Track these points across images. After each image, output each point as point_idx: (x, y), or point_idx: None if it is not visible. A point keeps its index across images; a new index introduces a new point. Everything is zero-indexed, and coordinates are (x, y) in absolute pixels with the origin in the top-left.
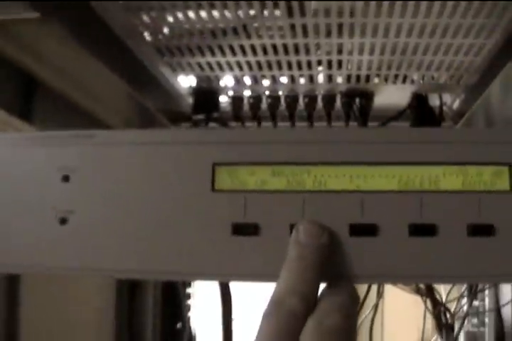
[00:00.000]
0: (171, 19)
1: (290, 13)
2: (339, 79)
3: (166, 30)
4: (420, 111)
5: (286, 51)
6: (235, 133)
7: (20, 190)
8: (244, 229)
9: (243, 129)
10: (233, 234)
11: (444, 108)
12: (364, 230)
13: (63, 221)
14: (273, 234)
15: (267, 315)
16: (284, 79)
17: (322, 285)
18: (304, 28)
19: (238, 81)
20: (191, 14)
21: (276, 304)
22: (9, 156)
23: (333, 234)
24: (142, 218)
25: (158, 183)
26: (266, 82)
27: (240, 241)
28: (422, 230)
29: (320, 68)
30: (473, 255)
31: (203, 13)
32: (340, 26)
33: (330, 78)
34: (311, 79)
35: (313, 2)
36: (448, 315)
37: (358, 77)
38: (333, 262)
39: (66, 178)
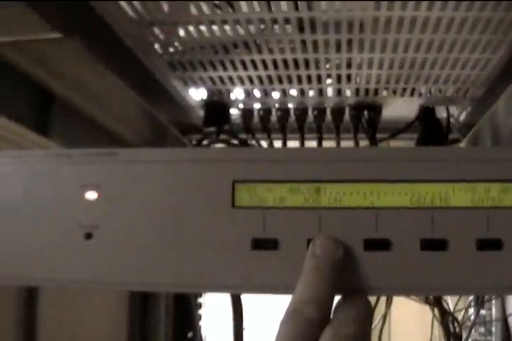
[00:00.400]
0: (182, 34)
1: (301, 28)
2: (348, 93)
3: (177, 44)
4: (428, 123)
5: (296, 65)
6: (254, 152)
7: (45, 206)
8: (263, 244)
9: (262, 148)
10: (253, 248)
11: (451, 120)
12: (378, 245)
13: (88, 236)
14: (291, 249)
15: (284, 323)
16: (293, 92)
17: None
18: (315, 43)
19: (249, 94)
20: (203, 28)
21: (292, 312)
22: (34, 173)
23: (348, 248)
24: (164, 233)
25: (180, 200)
26: (276, 95)
27: (260, 256)
28: (433, 245)
29: (329, 81)
30: (481, 268)
31: (215, 27)
32: (349, 42)
33: (339, 91)
34: (321, 92)
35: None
36: (456, 324)
37: (367, 91)
38: (348, 275)
39: (91, 195)
